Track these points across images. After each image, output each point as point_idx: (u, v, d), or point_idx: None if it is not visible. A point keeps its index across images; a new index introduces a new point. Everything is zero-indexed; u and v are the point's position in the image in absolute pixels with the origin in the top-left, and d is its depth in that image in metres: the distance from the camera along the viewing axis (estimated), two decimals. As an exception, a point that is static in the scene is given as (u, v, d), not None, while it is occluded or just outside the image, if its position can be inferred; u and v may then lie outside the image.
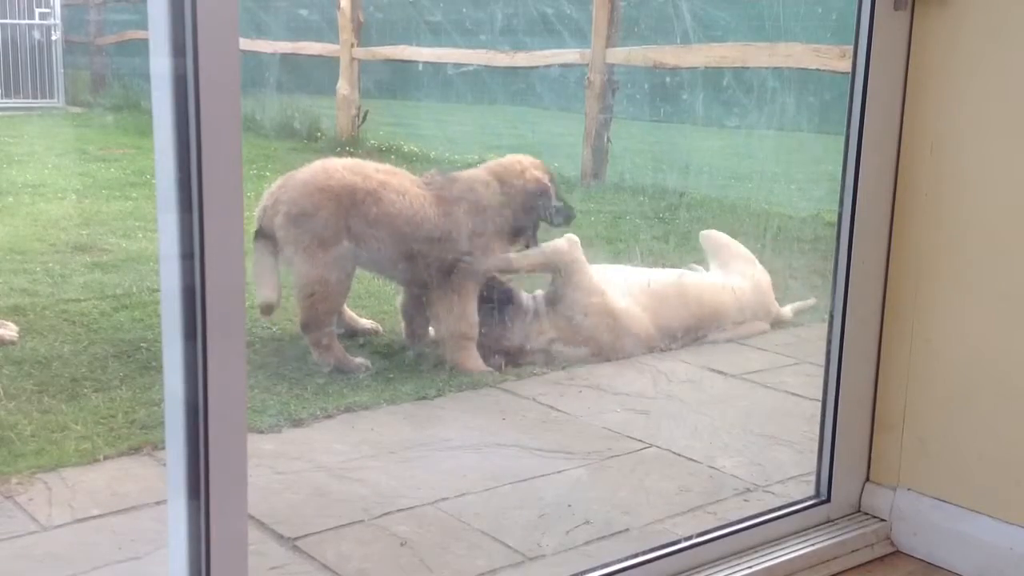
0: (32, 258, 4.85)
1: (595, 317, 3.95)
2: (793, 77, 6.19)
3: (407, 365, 3.78)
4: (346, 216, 3.71)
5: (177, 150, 1.57)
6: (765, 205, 6.23)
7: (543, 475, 2.93)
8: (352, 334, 4.04)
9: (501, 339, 3.87)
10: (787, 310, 4.48)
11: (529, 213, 3.96)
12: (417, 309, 4.00)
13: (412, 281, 3.94)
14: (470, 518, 2.63)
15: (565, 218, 4.06)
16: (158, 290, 1.66)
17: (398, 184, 3.80)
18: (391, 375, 3.67)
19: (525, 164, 4.00)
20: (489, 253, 3.87)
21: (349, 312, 4.09)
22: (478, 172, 4.01)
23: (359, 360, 3.76)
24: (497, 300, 3.93)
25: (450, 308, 3.81)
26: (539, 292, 4.08)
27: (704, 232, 4.58)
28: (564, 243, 4.02)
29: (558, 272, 3.99)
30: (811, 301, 4.60)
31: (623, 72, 7.15)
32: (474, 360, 3.80)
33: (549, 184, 3.99)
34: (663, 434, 3.24)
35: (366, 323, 4.12)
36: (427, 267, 3.83)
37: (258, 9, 8.81)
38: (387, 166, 3.94)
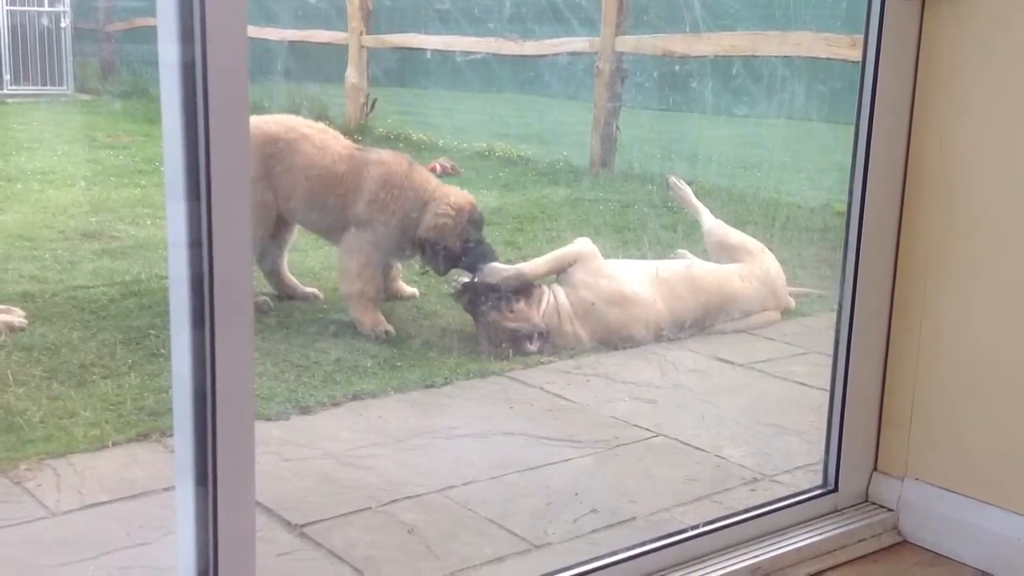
0: (41, 245, 4.86)
1: (607, 301, 3.96)
2: (803, 66, 6.17)
3: (414, 353, 3.79)
4: (265, 163, 4.00)
5: (185, 137, 1.56)
6: (774, 194, 6.21)
7: (550, 463, 2.93)
8: (292, 298, 4.27)
9: (512, 326, 3.87)
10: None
11: (411, 232, 4.04)
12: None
13: (327, 235, 4.27)
14: (477, 506, 2.63)
15: (443, 266, 4.09)
16: (166, 277, 1.66)
17: (320, 139, 4.08)
18: (398, 363, 3.67)
19: (448, 201, 4.02)
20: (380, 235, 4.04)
21: (291, 277, 4.32)
22: (405, 167, 4.10)
23: (261, 299, 4.11)
24: (509, 288, 3.94)
25: (352, 266, 4.02)
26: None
27: (706, 228, 4.57)
28: (581, 246, 4.12)
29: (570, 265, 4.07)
30: (816, 291, 4.59)
31: (632, 60, 7.13)
32: (371, 317, 3.95)
33: (447, 226, 3.99)
34: (670, 423, 3.24)
35: (308, 289, 4.32)
36: (336, 222, 4.08)
37: (266, -4, 8.80)
38: (320, 125, 4.23)
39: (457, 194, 4.10)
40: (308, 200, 4.07)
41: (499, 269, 4.00)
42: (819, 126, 6.56)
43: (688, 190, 4.75)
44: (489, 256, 4.06)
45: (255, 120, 4.10)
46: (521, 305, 3.90)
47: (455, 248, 4.01)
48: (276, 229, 4.19)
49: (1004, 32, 2.32)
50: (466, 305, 3.99)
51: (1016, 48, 2.31)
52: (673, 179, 4.83)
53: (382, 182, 4.02)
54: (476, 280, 3.98)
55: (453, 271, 4.16)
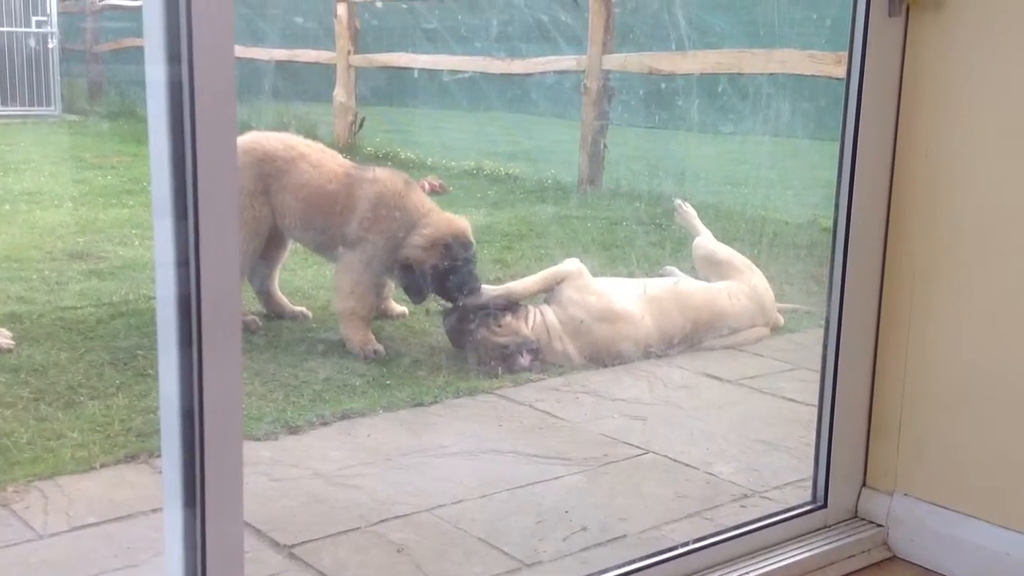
0: (28, 266, 4.84)
1: (596, 318, 3.97)
2: (788, 83, 6.20)
3: (403, 371, 3.78)
4: (264, 180, 4.05)
5: (172, 157, 1.57)
6: (761, 211, 6.24)
7: (540, 481, 2.92)
8: (280, 317, 4.29)
9: (502, 341, 3.86)
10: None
11: (396, 255, 4.00)
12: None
13: (323, 252, 4.29)
14: (467, 525, 2.63)
15: (418, 294, 4.04)
16: (154, 297, 1.66)
17: (317, 159, 4.12)
18: (387, 382, 3.66)
19: (442, 231, 3.96)
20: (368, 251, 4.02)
21: (281, 296, 4.34)
22: (401, 187, 4.06)
23: (250, 317, 4.13)
24: (496, 307, 3.95)
25: (346, 284, 4.02)
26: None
27: (695, 243, 4.58)
28: (569, 265, 4.11)
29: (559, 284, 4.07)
30: (804, 308, 4.60)
31: (619, 78, 7.16)
32: (361, 336, 3.94)
33: (434, 259, 3.93)
34: (660, 440, 3.24)
35: (297, 308, 4.33)
36: (331, 240, 4.10)
37: (254, 16, 8.81)
38: (319, 144, 4.27)
39: (444, 223, 4.01)
40: (303, 218, 4.09)
41: (487, 290, 4.00)
42: (805, 143, 6.59)
43: (693, 212, 4.75)
44: (471, 284, 3.96)
45: (255, 136, 4.16)
46: (508, 319, 3.91)
47: (429, 276, 3.96)
48: (270, 246, 4.19)
49: (988, 43, 2.34)
50: (452, 326, 3.98)
51: (1000, 59, 2.33)
52: (679, 201, 4.84)
53: (374, 201, 4.00)
54: (463, 304, 3.98)
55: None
